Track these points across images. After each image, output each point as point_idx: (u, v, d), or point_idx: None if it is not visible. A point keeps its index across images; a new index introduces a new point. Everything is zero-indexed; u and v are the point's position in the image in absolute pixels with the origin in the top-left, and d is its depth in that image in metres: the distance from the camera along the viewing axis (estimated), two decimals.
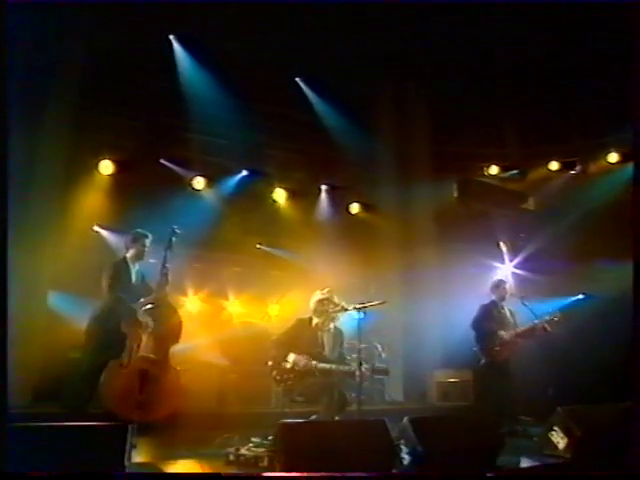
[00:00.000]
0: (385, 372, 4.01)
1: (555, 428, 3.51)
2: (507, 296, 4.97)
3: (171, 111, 6.72)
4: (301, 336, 4.28)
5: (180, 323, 4.37)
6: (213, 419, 5.10)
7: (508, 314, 4.98)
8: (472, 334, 6.04)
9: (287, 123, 7.42)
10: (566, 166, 7.80)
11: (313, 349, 4.23)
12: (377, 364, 4.04)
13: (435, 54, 7.37)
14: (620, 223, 6.70)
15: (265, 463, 3.22)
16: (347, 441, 2.78)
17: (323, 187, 7.71)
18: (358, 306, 3.88)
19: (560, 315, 4.69)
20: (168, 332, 4.24)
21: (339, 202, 7.82)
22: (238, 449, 3.53)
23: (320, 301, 4.34)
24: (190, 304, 6.92)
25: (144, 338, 4.11)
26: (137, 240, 4.55)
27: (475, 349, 5.02)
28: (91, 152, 6.42)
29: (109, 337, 4.18)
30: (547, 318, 4.70)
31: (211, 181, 7.05)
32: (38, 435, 2.38)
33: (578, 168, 7.68)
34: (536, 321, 4.74)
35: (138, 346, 4.10)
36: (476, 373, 5.00)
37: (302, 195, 7.62)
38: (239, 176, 7.25)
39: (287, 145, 7.49)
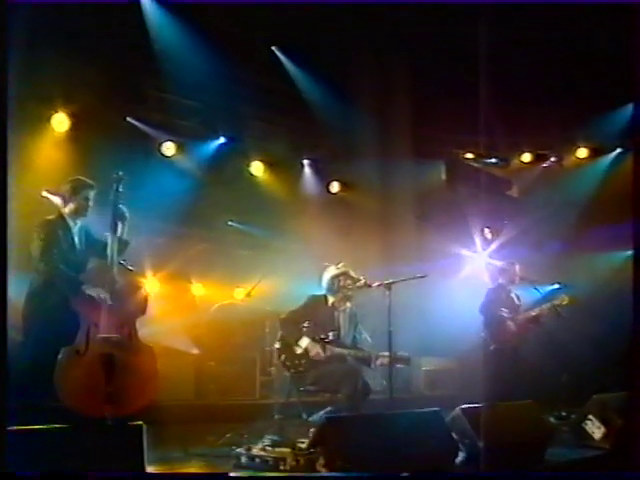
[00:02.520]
0: (407, 361, 3.59)
1: (590, 417, 3.27)
2: (517, 279, 4.75)
3: (140, 67, 5.92)
4: (315, 316, 3.79)
5: (144, 291, 3.57)
6: (193, 412, 4.49)
7: (515, 298, 4.76)
8: (455, 320, 5.82)
9: (268, 94, 6.81)
10: (539, 158, 7.78)
11: (328, 331, 3.74)
12: (399, 352, 3.61)
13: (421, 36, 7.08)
14: (596, 216, 6.89)
15: (288, 466, 2.70)
16: (402, 435, 2.34)
17: (306, 162, 7.16)
18: (388, 282, 3.40)
19: (568, 298, 4.52)
20: (131, 304, 3.40)
21: (320, 179, 7.32)
22: (250, 448, 2.98)
23: (336, 277, 3.85)
24: (150, 284, 6.16)
25: (102, 315, 3.22)
26: (77, 190, 3.50)
27: (483, 335, 4.76)
28: (43, 103, 5.46)
29: (54, 318, 3.29)
30: (555, 302, 4.51)
31: (182, 148, 6.30)
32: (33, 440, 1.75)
33: (551, 161, 7.66)
34: (544, 306, 4.54)
35: (96, 326, 3.22)
36: (485, 360, 4.73)
37: (282, 170, 7.03)
38: (214, 144, 6.53)
39: (267, 116, 6.88)
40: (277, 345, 3.81)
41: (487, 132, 7.86)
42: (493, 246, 6.96)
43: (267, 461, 2.81)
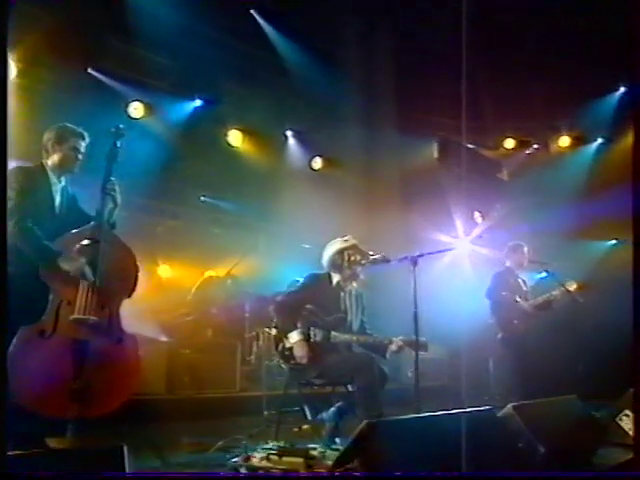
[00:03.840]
0: (425, 347, 3.11)
1: (628, 413, 2.91)
2: (525, 262, 4.39)
3: (104, 15, 5.15)
4: (317, 298, 3.23)
5: (135, 268, 2.82)
6: (165, 408, 3.88)
7: (522, 283, 4.40)
8: (444, 307, 5.48)
9: (249, 60, 6.17)
10: (522, 145, 7.56)
11: (334, 315, 3.22)
12: (414, 337, 3.13)
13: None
14: (580, 205, 6.74)
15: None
16: (455, 439, 1.89)
17: (289, 133, 6.57)
18: (415, 255, 2.85)
19: (576, 284, 4.20)
20: (117, 282, 2.73)
21: (304, 153, 6.75)
22: (248, 458, 2.44)
23: (343, 251, 3.31)
24: None
25: (79, 292, 2.59)
26: (63, 138, 2.79)
27: (491, 322, 4.39)
28: None
29: (18, 289, 2.53)
30: (565, 288, 4.18)
31: (152, 109, 5.56)
32: None
33: (533, 148, 7.44)
34: (554, 292, 4.21)
35: (69, 304, 2.58)
36: (494, 348, 4.37)
37: (263, 141, 6.41)
38: (189, 107, 5.83)
39: (248, 82, 6.22)
40: (273, 332, 3.26)
41: (472, 116, 7.63)
42: (477, 230, 6.66)
43: (270, 472, 2.28)
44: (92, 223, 2.72)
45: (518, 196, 6.77)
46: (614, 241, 7.15)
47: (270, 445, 2.59)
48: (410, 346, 3.08)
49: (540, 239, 6.27)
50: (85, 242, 2.63)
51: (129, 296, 2.85)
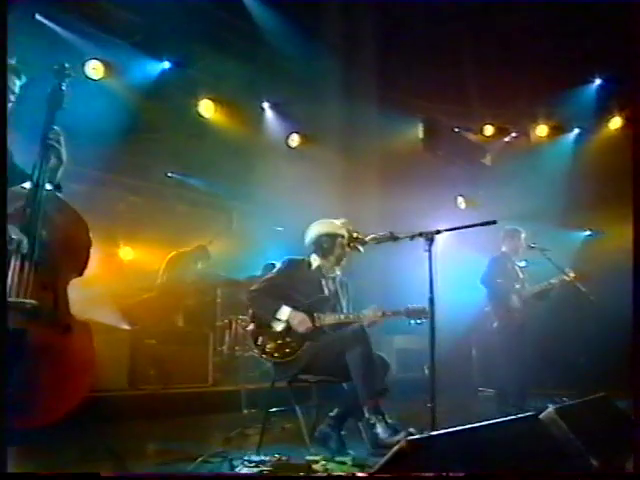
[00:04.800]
0: (423, 313, 2.73)
1: None
2: (522, 248, 4.13)
3: None
4: (297, 284, 2.84)
5: (87, 240, 2.28)
6: (127, 406, 3.42)
7: (519, 271, 4.15)
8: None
9: (225, 29, 5.60)
10: (500, 132, 7.38)
11: (316, 296, 2.85)
12: (411, 305, 2.80)
13: None
14: (559, 195, 6.65)
15: None
16: (502, 449, 1.57)
17: (266, 105, 6.07)
18: (431, 231, 2.35)
19: (574, 273, 3.98)
20: (63, 256, 2.19)
21: (282, 128, 6.28)
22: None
23: (333, 236, 2.92)
24: None
25: (11, 269, 2.03)
26: None
27: (487, 310, 4.12)
28: None
29: None
30: (563, 276, 3.96)
31: (114, 70, 4.94)
32: None
33: (512, 136, 7.28)
34: (552, 280, 3.98)
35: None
36: (489, 339, 4.11)
37: (237, 112, 5.89)
38: (156, 69, 5.23)
39: (222, 49, 5.66)
40: (250, 327, 2.84)
41: (454, 100, 7.39)
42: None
43: None
44: (28, 182, 2.17)
45: (500, 182, 6.58)
46: (588, 232, 7.15)
47: (260, 457, 2.19)
48: (408, 316, 2.77)
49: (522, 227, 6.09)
50: (19, 204, 2.08)
51: (80, 274, 2.30)
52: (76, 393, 2.19)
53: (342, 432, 2.67)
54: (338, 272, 3.03)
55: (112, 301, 4.60)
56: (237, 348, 4.54)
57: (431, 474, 2.35)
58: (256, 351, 2.76)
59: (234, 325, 4.77)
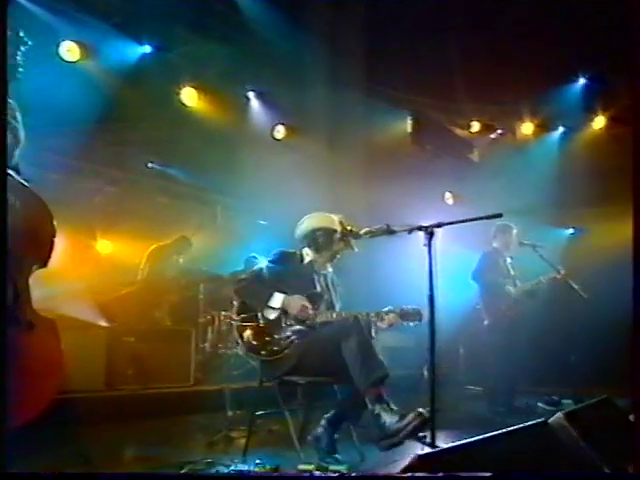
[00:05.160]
0: (418, 315, 2.58)
1: None
2: (514, 244, 4.05)
3: None
4: (288, 278, 2.69)
5: (50, 229, 1.99)
6: (103, 408, 3.23)
7: (510, 268, 4.07)
8: (410, 291, 5.16)
9: (209, 14, 5.37)
10: (486, 129, 7.34)
11: (308, 292, 2.70)
12: (405, 306, 2.67)
13: None
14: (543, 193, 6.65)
15: None
16: (513, 459, 1.46)
17: (251, 94, 5.87)
18: (431, 224, 2.22)
19: (563, 272, 3.92)
20: (23, 245, 1.92)
21: (267, 119, 6.09)
22: None
23: (329, 232, 2.77)
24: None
25: None
26: None
27: (479, 307, 4.03)
28: None
29: None
30: (553, 274, 3.89)
31: (90, 52, 4.67)
32: None
33: (498, 133, 7.24)
34: (544, 277, 3.91)
35: None
36: (479, 337, 4.02)
37: (221, 101, 5.67)
38: (135, 54, 4.98)
39: (206, 35, 5.44)
40: (236, 318, 2.67)
41: (442, 95, 7.30)
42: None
43: None
44: None
45: (487, 179, 6.52)
46: (571, 230, 7.18)
47: (247, 467, 2.04)
48: (402, 317, 2.60)
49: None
50: None
51: (44, 265, 2.04)
52: (40, 397, 1.98)
53: (335, 436, 2.52)
54: (330, 269, 2.90)
55: (89, 296, 4.38)
56: (220, 345, 4.37)
57: (432, 475, 2.27)
58: (241, 348, 2.60)
59: (217, 321, 4.60)
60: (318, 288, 2.78)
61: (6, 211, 1.73)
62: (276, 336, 2.57)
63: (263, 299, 2.58)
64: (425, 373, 2.05)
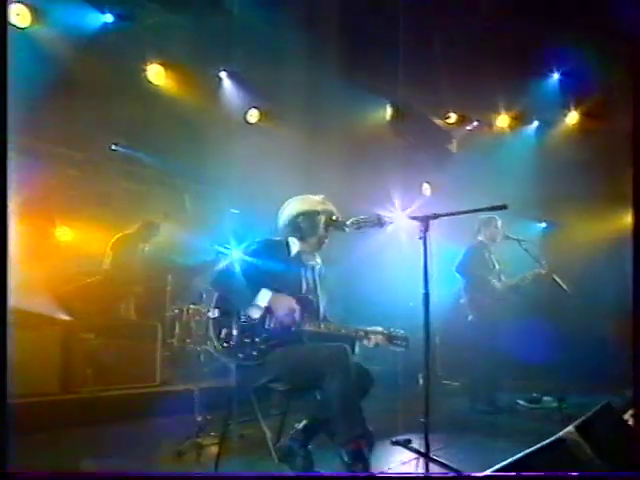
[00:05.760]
0: (405, 341, 2.44)
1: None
2: (499, 237, 3.92)
3: None
4: (272, 272, 2.40)
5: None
6: (58, 413, 2.94)
7: (495, 262, 3.94)
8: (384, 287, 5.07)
9: None
10: (463, 120, 7.26)
11: (296, 296, 2.44)
12: (393, 329, 2.47)
13: None
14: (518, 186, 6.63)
15: None
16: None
17: (223, 74, 5.55)
18: (426, 215, 1.97)
19: (546, 268, 3.82)
20: None
21: (238, 101, 5.77)
22: None
23: (312, 215, 2.51)
24: None
25: None
26: None
27: (463, 301, 3.88)
28: None
29: None
30: (537, 270, 3.80)
31: (43, 18, 4.23)
32: None
33: (473, 125, 7.17)
34: (529, 273, 3.81)
35: None
36: (461, 331, 3.87)
37: (190, 80, 5.33)
38: (96, 23, 4.57)
39: (175, 8, 5.06)
40: (211, 314, 2.41)
41: (421, 86, 7.15)
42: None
43: None
44: None
45: (464, 170, 6.42)
46: (544, 224, 7.20)
47: None
48: (389, 341, 2.41)
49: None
50: None
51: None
52: None
53: (309, 447, 2.31)
54: (318, 260, 2.60)
55: (46, 287, 4.04)
56: (189, 341, 4.12)
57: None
58: (215, 347, 2.35)
59: (185, 315, 4.32)
60: (304, 285, 2.52)
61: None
62: (256, 339, 2.32)
63: (247, 294, 2.32)
64: (420, 381, 1.85)
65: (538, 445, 1.44)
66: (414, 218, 2.06)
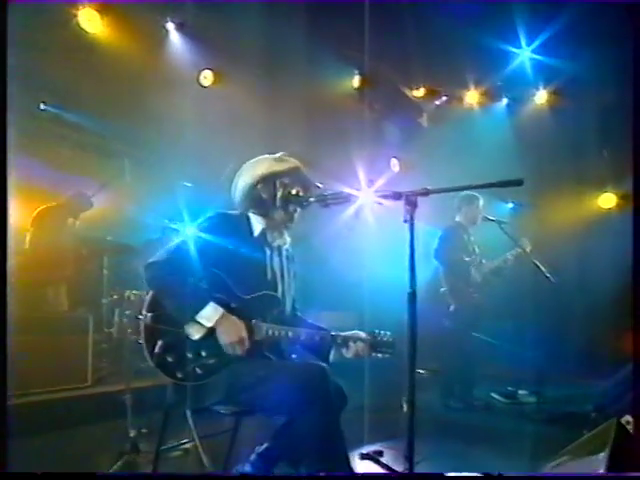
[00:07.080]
0: (390, 347, 2.03)
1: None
2: (480, 218, 3.56)
3: None
4: (229, 262, 1.87)
5: None
6: None
7: (474, 245, 3.59)
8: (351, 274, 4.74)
9: None
10: (432, 94, 6.93)
11: (256, 292, 1.93)
12: (378, 332, 2.04)
13: None
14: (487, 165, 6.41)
15: None
16: None
17: (171, 26, 4.86)
18: (415, 191, 1.53)
19: (530, 245, 3.52)
20: None
21: (188, 58, 5.11)
22: None
23: (271, 179, 1.98)
24: None
25: None
26: None
27: (443, 290, 3.51)
28: None
29: None
30: (519, 250, 3.49)
31: None
32: None
33: (442, 100, 6.85)
34: (510, 254, 3.49)
35: None
36: (445, 325, 3.50)
37: (132, 29, 4.62)
38: None
39: None
40: (145, 317, 1.86)
41: (391, 57, 6.70)
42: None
43: None
44: None
45: (433, 146, 6.08)
46: (511, 204, 7.04)
47: None
48: (373, 348, 2.01)
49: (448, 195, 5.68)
50: None
51: None
52: None
53: (272, 474, 1.87)
54: (287, 238, 2.08)
55: None
56: (130, 331, 3.56)
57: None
58: (149, 361, 1.83)
59: (126, 302, 3.74)
60: (269, 274, 2.00)
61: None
62: (203, 353, 1.82)
63: (187, 307, 1.78)
64: (404, 405, 1.48)
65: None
66: (398, 194, 1.60)
